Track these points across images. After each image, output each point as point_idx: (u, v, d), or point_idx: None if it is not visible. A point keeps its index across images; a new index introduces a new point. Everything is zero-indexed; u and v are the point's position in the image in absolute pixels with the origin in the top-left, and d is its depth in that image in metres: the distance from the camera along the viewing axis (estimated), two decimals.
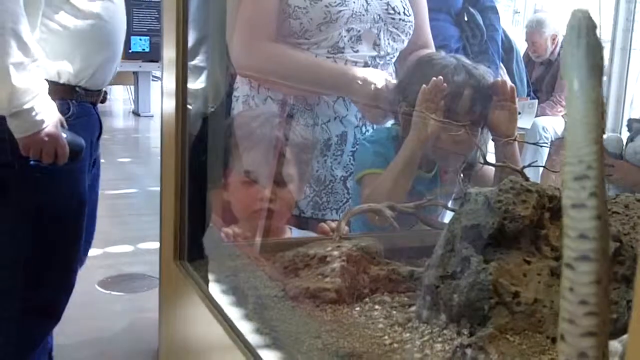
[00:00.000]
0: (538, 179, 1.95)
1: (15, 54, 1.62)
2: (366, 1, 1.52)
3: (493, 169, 1.23)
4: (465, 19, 2.05)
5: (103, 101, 1.98)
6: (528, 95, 3.41)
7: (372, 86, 1.45)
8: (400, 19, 1.55)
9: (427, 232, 1.21)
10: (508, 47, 2.73)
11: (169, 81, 1.17)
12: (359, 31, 1.50)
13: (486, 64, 2.04)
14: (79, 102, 1.85)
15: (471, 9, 2.06)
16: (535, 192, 0.89)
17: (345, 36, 1.50)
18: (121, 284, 3.05)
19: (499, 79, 1.33)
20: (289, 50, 1.51)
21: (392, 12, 1.54)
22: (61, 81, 1.81)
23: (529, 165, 1.15)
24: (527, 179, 1.06)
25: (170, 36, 1.16)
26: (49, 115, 1.70)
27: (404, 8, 1.57)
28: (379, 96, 1.44)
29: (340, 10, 1.49)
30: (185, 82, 1.14)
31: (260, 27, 1.50)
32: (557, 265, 0.87)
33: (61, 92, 1.80)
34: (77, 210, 1.90)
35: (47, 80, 1.76)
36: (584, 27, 0.42)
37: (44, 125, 1.68)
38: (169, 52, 1.17)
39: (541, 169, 1.42)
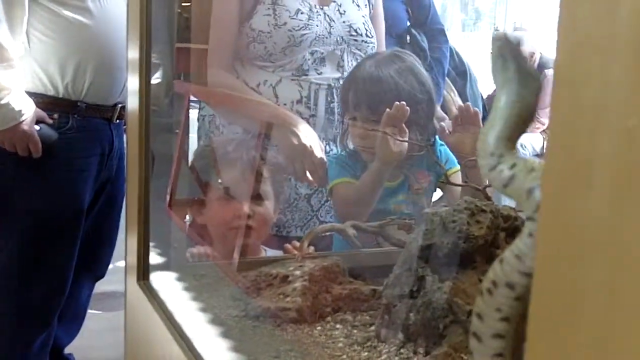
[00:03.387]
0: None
1: None
2: (329, 24, 1.54)
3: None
4: (408, 40, 2.09)
5: (120, 117, 1.98)
6: (483, 120, 3.41)
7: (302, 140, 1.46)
8: (362, 41, 1.57)
9: (394, 251, 1.22)
10: (461, 71, 2.75)
11: (133, 81, 1.18)
12: (323, 53, 1.52)
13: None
14: (84, 117, 1.88)
15: (414, 31, 2.09)
16: (490, 212, 0.90)
17: (309, 59, 1.52)
18: (100, 302, 3.03)
19: (463, 104, 1.36)
20: (231, 82, 1.54)
21: (354, 34, 1.57)
22: (60, 95, 1.84)
23: (490, 185, 1.16)
24: (488, 199, 1.07)
25: (134, 37, 1.18)
26: (24, 111, 1.77)
27: (367, 30, 1.59)
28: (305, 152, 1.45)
29: (304, 34, 1.51)
30: (149, 82, 1.16)
31: (214, 55, 1.54)
32: None
33: (62, 106, 1.86)
34: (74, 219, 1.93)
35: (45, 94, 1.83)
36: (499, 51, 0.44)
37: (20, 120, 1.75)
38: (132, 53, 1.18)
39: None
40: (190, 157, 1.55)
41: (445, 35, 2.21)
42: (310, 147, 1.43)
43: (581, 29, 0.33)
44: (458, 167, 1.38)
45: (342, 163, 1.45)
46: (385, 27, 1.96)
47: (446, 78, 2.28)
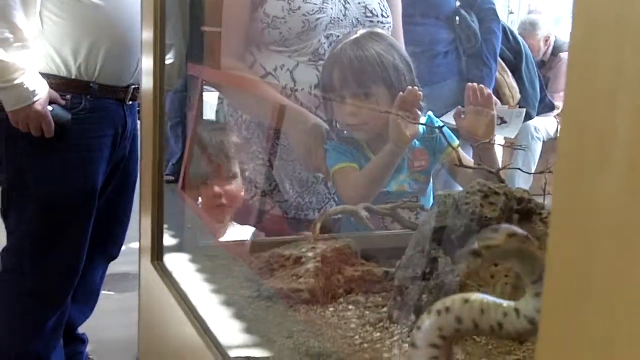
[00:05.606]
0: (529, 182, 1.95)
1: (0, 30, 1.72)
2: (344, 6, 1.53)
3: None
4: (457, 21, 2.04)
5: (133, 99, 1.99)
6: (542, 99, 3.32)
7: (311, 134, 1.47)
8: (378, 21, 1.56)
9: (405, 233, 1.22)
10: (517, 49, 2.67)
11: (147, 61, 1.18)
12: (338, 36, 1.51)
13: (479, 68, 2.04)
14: (96, 97, 1.89)
15: (464, 12, 2.05)
16: (503, 195, 0.90)
17: (324, 42, 1.51)
18: (112, 283, 3.05)
19: (474, 84, 1.34)
20: (242, 70, 1.55)
21: (369, 15, 1.55)
22: (72, 76, 1.86)
23: (504, 168, 1.16)
24: (502, 181, 1.07)
25: (148, 18, 1.18)
26: (38, 91, 1.78)
27: (382, 10, 1.57)
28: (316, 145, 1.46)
29: (318, 18, 1.50)
30: (163, 63, 1.16)
31: (227, 44, 1.54)
32: None
33: (74, 86, 1.87)
34: (87, 199, 1.94)
35: (57, 75, 1.84)
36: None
37: (33, 100, 1.77)
38: (147, 34, 1.18)
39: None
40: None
41: (496, 15, 2.15)
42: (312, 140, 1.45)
43: (595, 11, 0.33)
44: (457, 142, 1.39)
45: (339, 148, 1.45)
46: (432, 8, 1.94)
47: (499, 59, 2.23)
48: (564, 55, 4.46)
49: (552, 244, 0.36)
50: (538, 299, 0.53)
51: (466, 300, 0.56)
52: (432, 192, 1.49)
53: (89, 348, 2.37)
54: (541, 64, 4.59)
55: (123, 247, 2.37)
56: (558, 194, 0.36)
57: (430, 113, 1.44)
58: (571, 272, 0.35)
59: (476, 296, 0.57)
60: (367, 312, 0.98)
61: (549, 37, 4.54)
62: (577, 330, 0.34)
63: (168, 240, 1.22)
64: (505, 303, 0.55)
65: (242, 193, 1.59)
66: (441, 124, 1.39)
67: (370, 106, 1.40)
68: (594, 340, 0.33)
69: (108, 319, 2.76)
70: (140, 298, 1.24)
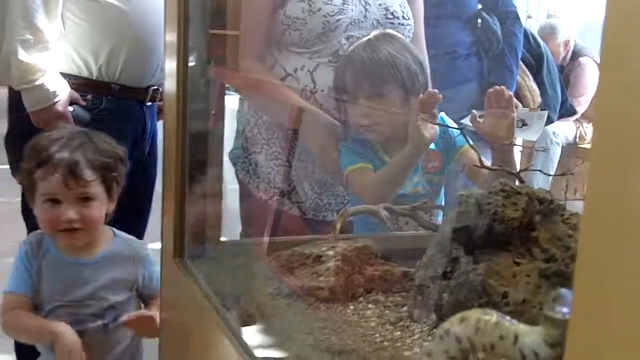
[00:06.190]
0: (548, 187, 1.95)
1: (21, 32, 1.76)
2: (365, 8, 1.53)
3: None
4: (479, 24, 2.04)
5: (153, 100, 2.01)
6: (563, 103, 3.29)
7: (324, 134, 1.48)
8: (399, 23, 1.56)
9: (425, 235, 1.22)
10: (538, 53, 2.66)
11: (171, 63, 1.19)
12: (359, 38, 1.51)
13: (501, 71, 2.04)
14: (117, 98, 1.90)
15: (485, 14, 2.04)
16: (526, 195, 0.90)
17: (345, 44, 1.51)
18: None
19: (496, 87, 1.34)
20: (261, 71, 1.56)
21: (390, 16, 1.56)
22: (93, 77, 1.88)
23: (525, 170, 1.16)
24: (522, 182, 1.07)
25: (172, 20, 1.19)
26: (59, 92, 1.80)
27: (403, 12, 1.58)
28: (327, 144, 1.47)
29: (339, 19, 1.50)
30: (186, 65, 1.17)
31: (246, 45, 1.55)
32: (546, 267, 0.88)
33: (95, 87, 1.90)
34: None
35: (78, 76, 1.87)
36: None
37: (54, 101, 1.80)
38: (170, 36, 1.19)
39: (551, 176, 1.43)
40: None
41: (518, 18, 2.15)
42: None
43: (628, 9, 0.33)
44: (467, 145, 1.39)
45: (353, 149, 1.45)
46: (454, 10, 1.94)
47: (520, 62, 2.22)
48: (584, 59, 4.44)
49: (583, 249, 0.36)
50: (546, 346, 0.49)
51: (462, 319, 0.56)
52: (444, 194, 1.50)
53: None
54: (561, 69, 4.57)
55: None
56: (591, 196, 0.36)
57: (443, 114, 1.44)
58: (602, 274, 0.35)
59: (474, 314, 0.56)
60: (387, 311, 0.98)
61: (568, 41, 4.52)
62: (607, 333, 0.34)
63: (188, 242, 1.22)
64: (509, 324, 0.53)
65: (102, 215, 1.46)
66: (454, 125, 1.39)
67: (385, 107, 1.40)
68: (625, 342, 0.33)
69: None
70: (163, 295, 1.25)
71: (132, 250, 1.51)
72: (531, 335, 0.50)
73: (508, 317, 0.54)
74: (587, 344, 0.36)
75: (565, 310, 0.48)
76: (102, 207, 1.43)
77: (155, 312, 1.38)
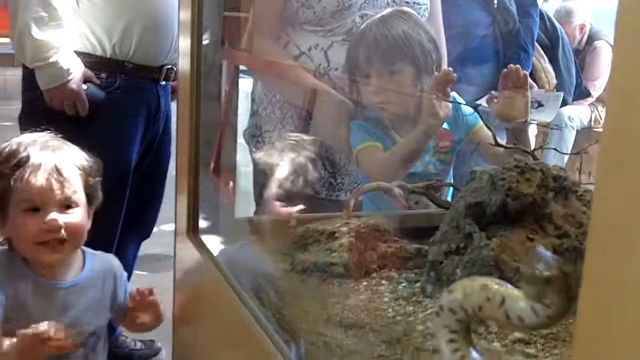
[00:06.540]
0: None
1: (35, 9, 1.75)
2: None
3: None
4: (495, 5, 2.02)
5: (167, 79, 2.01)
6: (578, 85, 3.25)
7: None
8: (414, 2, 1.55)
9: (438, 213, 1.22)
10: (553, 35, 2.64)
11: (185, 42, 1.19)
12: (373, 16, 1.51)
13: (516, 51, 2.03)
14: (131, 77, 1.91)
15: None
16: (540, 171, 0.90)
17: (359, 22, 1.51)
18: (145, 264, 3.10)
19: (511, 66, 1.34)
20: (275, 50, 1.55)
21: None
22: (107, 55, 1.88)
23: (540, 148, 1.15)
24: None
25: None
26: (72, 70, 1.80)
27: None
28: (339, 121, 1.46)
29: None
30: (200, 44, 1.17)
31: (260, 24, 1.54)
32: (560, 243, 0.88)
33: (109, 66, 1.89)
34: (121, 178, 1.96)
35: (92, 54, 1.87)
36: None
37: (68, 78, 1.79)
38: (184, 15, 1.19)
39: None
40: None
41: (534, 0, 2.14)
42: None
43: None
44: (481, 123, 1.39)
45: (364, 127, 1.45)
46: None
47: (536, 44, 2.21)
48: (599, 43, 4.39)
49: (592, 236, 0.36)
50: (533, 313, 0.50)
51: (450, 291, 0.58)
52: (452, 174, 1.50)
53: (121, 326, 2.41)
54: (576, 52, 4.53)
55: (156, 229, 2.40)
56: (601, 182, 0.35)
57: (454, 94, 1.44)
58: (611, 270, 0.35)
59: (461, 282, 0.57)
60: (400, 287, 0.99)
61: (584, 25, 4.47)
62: (616, 321, 0.34)
63: (202, 220, 1.23)
64: (498, 287, 0.54)
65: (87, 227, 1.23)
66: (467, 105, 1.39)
67: (397, 86, 1.40)
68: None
69: None
70: (176, 270, 1.26)
71: (107, 264, 1.31)
72: (519, 300, 0.51)
73: (498, 281, 0.55)
74: (596, 320, 0.36)
75: (542, 267, 0.49)
76: (85, 217, 1.22)
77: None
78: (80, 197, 1.20)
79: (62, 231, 1.16)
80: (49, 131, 1.28)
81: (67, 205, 1.18)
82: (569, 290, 0.49)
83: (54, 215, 1.16)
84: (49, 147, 1.21)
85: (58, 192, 1.16)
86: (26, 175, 1.15)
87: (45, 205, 1.16)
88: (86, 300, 1.22)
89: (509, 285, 0.54)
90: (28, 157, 1.17)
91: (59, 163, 1.18)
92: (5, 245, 1.23)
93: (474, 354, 0.58)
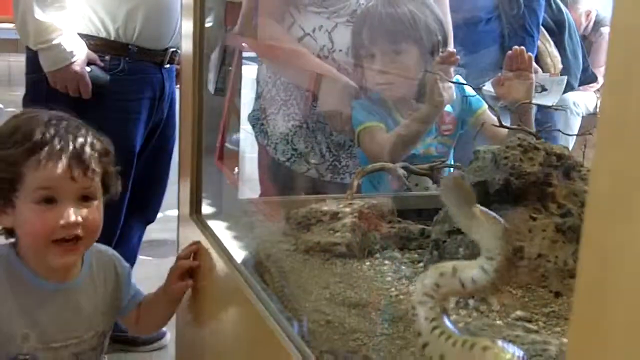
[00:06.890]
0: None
1: None
2: None
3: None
4: None
5: (171, 62, 2.01)
6: (585, 69, 3.22)
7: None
8: None
9: (436, 195, 1.22)
10: (559, 19, 2.62)
11: (187, 25, 1.19)
12: None
13: (521, 35, 2.02)
14: (135, 60, 1.91)
15: None
16: (543, 150, 0.90)
17: (363, 3, 1.50)
18: (150, 249, 3.11)
19: (515, 48, 1.33)
20: (279, 31, 1.55)
21: None
22: (111, 38, 1.88)
23: (544, 129, 1.15)
24: None
25: None
26: (76, 52, 1.80)
27: None
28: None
29: None
30: (203, 27, 1.17)
31: (265, 5, 1.53)
32: (562, 222, 0.88)
33: (113, 48, 1.88)
34: (126, 161, 1.94)
35: (96, 37, 1.86)
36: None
37: (71, 60, 1.78)
38: None
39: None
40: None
41: None
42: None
43: None
44: (485, 106, 1.39)
45: (367, 107, 1.45)
46: None
47: (541, 28, 2.19)
48: (605, 29, 4.37)
49: (587, 224, 0.36)
50: (482, 272, 0.56)
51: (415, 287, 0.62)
52: (453, 157, 1.50)
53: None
54: (582, 39, 4.50)
55: (161, 215, 2.40)
56: (597, 167, 0.35)
57: (459, 77, 1.43)
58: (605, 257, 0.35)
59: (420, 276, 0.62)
60: (403, 267, 0.99)
61: (590, 11, 4.45)
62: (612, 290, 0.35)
63: (205, 203, 1.23)
64: (449, 262, 0.59)
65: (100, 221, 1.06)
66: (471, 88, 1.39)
67: (402, 66, 1.39)
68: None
69: (145, 284, 2.82)
70: (179, 250, 1.26)
71: (106, 257, 1.17)
72: (469, 267, 0.57)
73: (455, 262, 0.60)
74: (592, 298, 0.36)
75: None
76: (102, 211, 1.07)
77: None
78: (97, 187, 1.05)
79: (79, 228, 1.01)
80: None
81: (84, 196, 1.03)
82: (508, 238, 0.56)
83: (69, 208, 1.00)
84: (69, 129, 1.04)
85: (79, 181, 1.01)
86: (43, 161, 0.99)
87: (63, 197, 1.00)
88: (96, 298, 1.11)
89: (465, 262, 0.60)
90: (45, 141, 1.01)
91: (82, 146, 1.03)
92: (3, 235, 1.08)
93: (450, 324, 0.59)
